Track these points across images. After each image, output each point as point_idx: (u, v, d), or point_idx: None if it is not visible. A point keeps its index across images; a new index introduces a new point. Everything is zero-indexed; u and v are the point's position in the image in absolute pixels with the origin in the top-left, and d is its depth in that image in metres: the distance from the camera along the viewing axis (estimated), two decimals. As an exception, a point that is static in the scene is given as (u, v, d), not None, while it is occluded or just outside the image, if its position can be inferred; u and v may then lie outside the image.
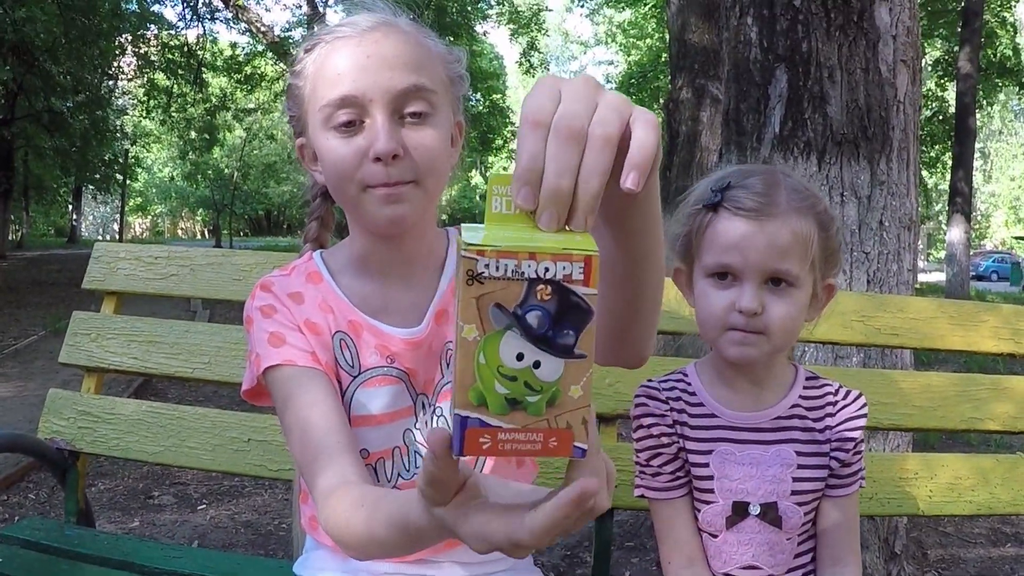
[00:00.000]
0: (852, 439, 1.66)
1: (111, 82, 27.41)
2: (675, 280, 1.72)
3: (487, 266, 0.73)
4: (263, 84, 27.97)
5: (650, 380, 1.75)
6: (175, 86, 26.79)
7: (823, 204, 1.60)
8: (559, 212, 0.78)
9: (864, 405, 1.70)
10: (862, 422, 1.68)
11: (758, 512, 1.62)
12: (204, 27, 25.37)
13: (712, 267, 1.58)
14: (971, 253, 22.96)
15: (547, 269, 0.74)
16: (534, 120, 0.79)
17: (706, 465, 1.65)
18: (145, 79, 26.99)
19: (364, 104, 1.41)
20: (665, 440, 1.67)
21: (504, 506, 0.84)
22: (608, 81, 34.19)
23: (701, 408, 1.68)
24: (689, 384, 1.72)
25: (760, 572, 1.65)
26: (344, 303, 1.55)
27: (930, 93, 25.49)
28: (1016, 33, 26.33)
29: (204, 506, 4.89)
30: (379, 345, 1.53)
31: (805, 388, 1.70)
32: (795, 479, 1.63)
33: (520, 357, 0.75)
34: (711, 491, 1.65)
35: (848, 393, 1.71)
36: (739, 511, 1.63)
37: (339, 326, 1.53)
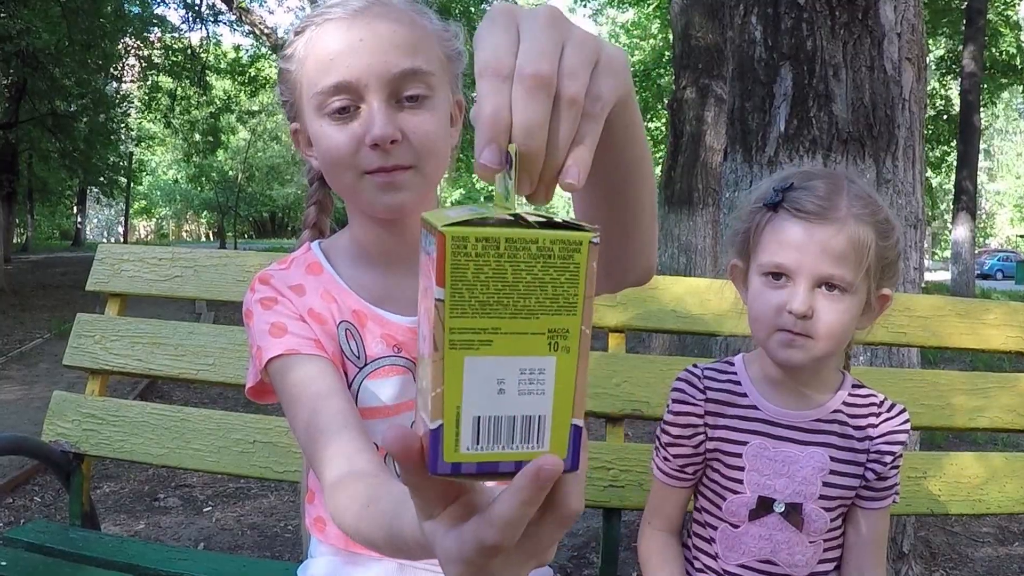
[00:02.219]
0: (891, 453, 1.66)
1: (115, 84, 27.44)
2: (731, 275, 1.72)
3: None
4: (267, 86, 28.00)
5: (696, 365, 1.78)
6: (179, 88, 26.83)
7: (884, 213, 1.59)
8: (531, 175, 0.70)
9: (907, 421, 1.69)
10: (903, 437, 1.68)
11: (782, 510, 1.63)
12: (207, 30, 25.39)
13: (767, 266, 1.58)
14: (976, 252, 22.92)
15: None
16: (494, 70, 0.70)
17: (739, 455, 1.66)
18: (149, 82, 27.03)
19: (359, 89, 1.37)
20: (689, 432, 1.70)
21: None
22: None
23: (744, 399, 1.69)
24: (735, 373, 1.73)
25: (777, 568, 1.66)
26: (347, 292, 1.51)
27: (934, 92, 25.46)
28: (1021, 31, 26.29)
29: (210, 508, 4.88)
30: (384, 334, 1.49)
31: (850, 395, 1.69)
32: (825, 484, 1.63)
33: None
34: (740, 482, 1.66)
35: (893, 406, 1.71)
36: (764, 506, 1.64)
37: (343, 316, 1.49)
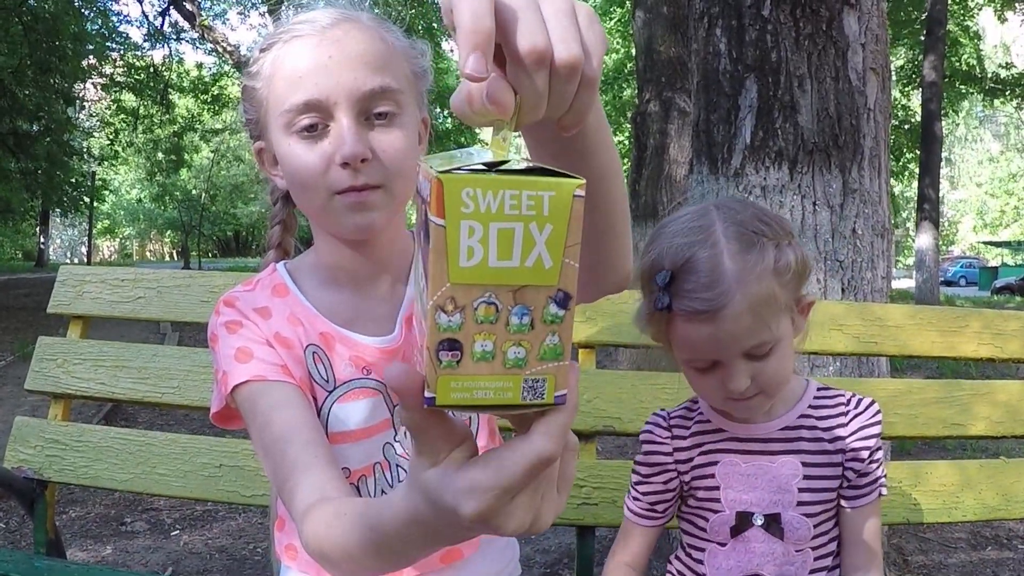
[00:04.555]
0: (867, 448, 1.65)
1: (76, 103, 27.22)
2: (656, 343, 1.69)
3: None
4: (230, 105, 27.90)
5: (663, 410, 1.79)
6: (142, 107, 26.67)
7: (771, 250, 1.49)
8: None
9: (878, 412, 1.69)
10: (876, 430, 1.67)
11: (761, 523, 1.62)
12: (170, 47, 25.28)
13: (692, 362, 1.57)
14: (940, 259, 23.14)
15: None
16: None
17: (712, 476, 1.67)
18: (111, 101, 26.86)
19: (328, 107, 1.35)
20: (657, 470, 1.73)
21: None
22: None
23: (708, 424, 1.71)
24: (697, 405, 1.75)
25: None
26: (313, 314, 1.49)
27: (895, 102, 25.70)
28: (980, 41, 26.59)
29: (178, 532, 4.82)
30: (353, 356, 1.48)
31: (816, 399, 1.70)
32: (801, 490, 1.63)
33: None
34: (718, 500, 1.66)
35: (860, 402, 1.69)
36: (743, 521, 1.63)
37: (310, 339, 1.47)
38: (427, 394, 0.70)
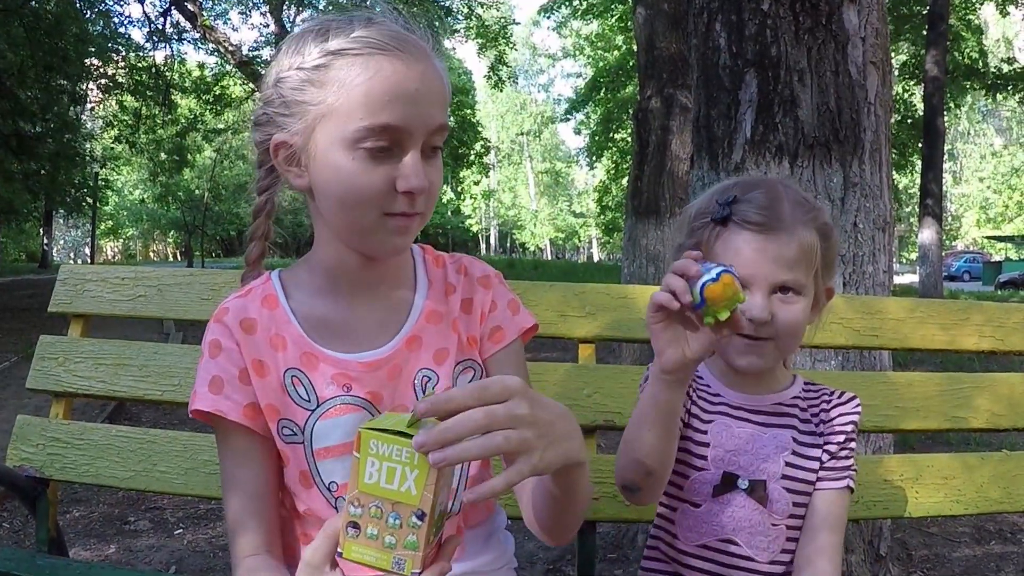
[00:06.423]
0: (843, 432, 1.73)
1: (79, 106, 27.18)
2: None
3: None
4: (232, 104, 27.85)
5: None
6: (144, 108, 26.61)
7: (824, 215, 1.68)
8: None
9: (858, 404, 1.78)
10: (854, 418, 1.75)
11: (746, 487, 1.68)
12: (172, 48, 25.25)
13: None
14: (943, 254, 23.12)
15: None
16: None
17: (704, 432, 1.72)
18: (114, 102, 26.82)
19: (404, 136, 1.39)
20: None
21: None
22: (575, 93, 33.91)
23: (708, 388, 1.78)
24: (697, 370, 1.81)
25: (738, 549, 1.69)
26: (298, 334, 1.53)
27: (897, 97, 25.64)
28: (982, 35, 26.54)
29: (181, 530, 4.82)
30: (335, 374, 1.51)
31: (804, 389, 1.79)
32: (787, 464, 1.69)
33: None
34: (705, 458, 1.71)
35: (843, 394, 1.79)
36: (728, 482, 1.69)
37: (290, 363, 1.51)
38: (339, 549, 1.16)
